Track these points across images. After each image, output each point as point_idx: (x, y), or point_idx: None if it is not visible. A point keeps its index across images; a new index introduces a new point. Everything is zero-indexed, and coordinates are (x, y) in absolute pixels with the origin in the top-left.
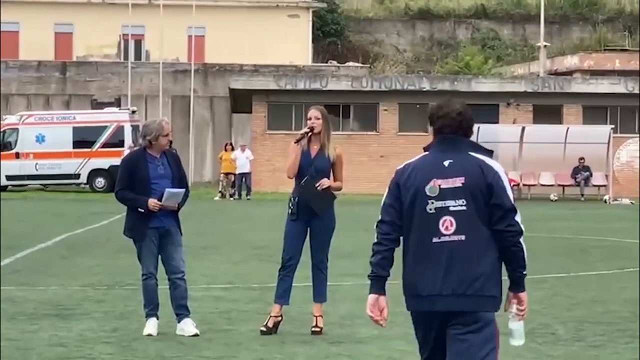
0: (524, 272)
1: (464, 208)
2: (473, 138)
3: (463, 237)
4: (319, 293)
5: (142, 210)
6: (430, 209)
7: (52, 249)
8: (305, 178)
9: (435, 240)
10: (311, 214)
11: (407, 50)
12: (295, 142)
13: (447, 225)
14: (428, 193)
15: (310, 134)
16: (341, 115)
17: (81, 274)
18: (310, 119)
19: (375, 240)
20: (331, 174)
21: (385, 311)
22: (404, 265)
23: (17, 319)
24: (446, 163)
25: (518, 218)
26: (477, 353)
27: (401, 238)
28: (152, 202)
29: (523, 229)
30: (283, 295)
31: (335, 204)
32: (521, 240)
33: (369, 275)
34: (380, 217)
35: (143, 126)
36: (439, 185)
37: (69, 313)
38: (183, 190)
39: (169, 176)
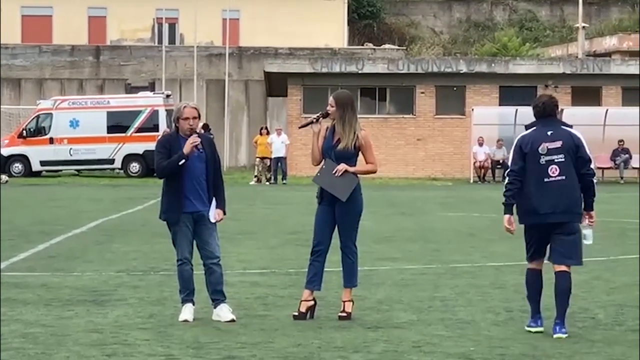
0: (594, 198)
1: (563, 160)
2: (511, 120)
3: (564, 178)
4: (347, 278)
5: (185, 160)
6: (542, 161)
7: (87, 235)
8: (321, 166)
9: (546, 180)
10: (335, 198)
11: (443, 32)
12: (299, 128)
13: (554, 170)
14: (540, 152)
15: (321, 119)
16: (377, 99)
17: (116, 259)
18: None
19: (508, 181)
20: (356, 159)
21: (514, 225)
22: (524, 196)
23: (52, 305)
24: (549, 133)
25: (592, 165)
26: (572, 244)
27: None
28: (190, 139)
29: (595, 172)
30: (312, 280)
31: (361, 187)
32: (593, 179)
33: (503, 203)
34: (510, 167)
35: None
36: (547, 147)
37: (105, 299)
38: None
39: (203, 160)
